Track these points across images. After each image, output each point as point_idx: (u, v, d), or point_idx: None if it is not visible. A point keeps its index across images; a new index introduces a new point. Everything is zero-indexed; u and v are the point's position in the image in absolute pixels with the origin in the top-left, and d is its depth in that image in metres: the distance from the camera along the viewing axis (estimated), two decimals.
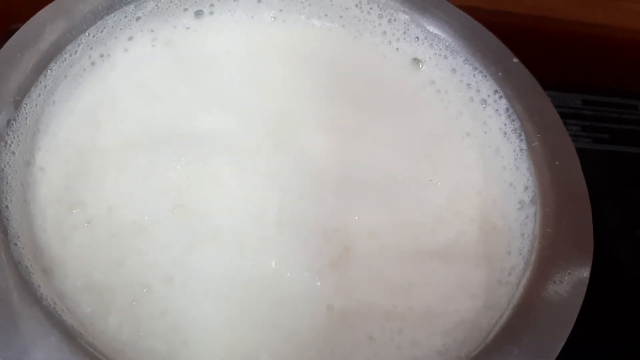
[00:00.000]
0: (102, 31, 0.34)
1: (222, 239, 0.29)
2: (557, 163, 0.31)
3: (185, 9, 0.37)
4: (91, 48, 0.34)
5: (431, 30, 0.36)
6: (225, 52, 0.36)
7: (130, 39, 0.35)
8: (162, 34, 0.36)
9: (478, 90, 0.35)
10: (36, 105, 0.30)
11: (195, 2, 0.37)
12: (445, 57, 0.36)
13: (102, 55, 0.34)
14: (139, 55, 0.35)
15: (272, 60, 0.36)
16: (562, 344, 0.26)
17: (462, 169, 0.34)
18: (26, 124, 0.30)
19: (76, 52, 0.33)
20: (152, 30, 0.36)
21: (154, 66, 0.35)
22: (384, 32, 0.37)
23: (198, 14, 0.37)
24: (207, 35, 0.36)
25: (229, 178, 0.31)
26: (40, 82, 0.31)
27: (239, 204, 0.31)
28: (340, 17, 0.38)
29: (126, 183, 0.30)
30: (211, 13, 0.37)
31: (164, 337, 0.27)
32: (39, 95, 0.31)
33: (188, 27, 0.36)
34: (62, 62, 0.32)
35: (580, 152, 0.32)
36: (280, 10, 0.37)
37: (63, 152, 0.31)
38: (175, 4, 0.36)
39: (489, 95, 0.35)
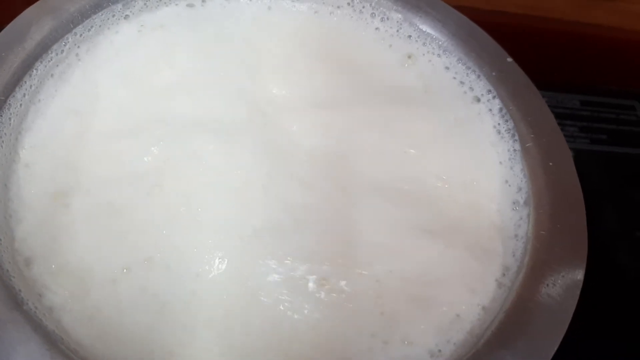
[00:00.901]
0: (89, 30, 0.33)
1: (203, 218, 0.29)
2: (550, 164, 0.30)
3: (177, 4, 0.36)
4: (78, 47, 0.33)
5: (424, 29, 0.36)
6: (213, 35, 0.36)
7: (117, 33, 0.35)
8: (151, 22, 0.36)
9: (472, 89, 0.35)
10: (21, 105, 0.30)
11: None
12: (439, 56, 0.36)
13: (88, 50, 0.34)
14: (124, 42, 0.34)
15: (262, 48, 0.36)
16: (555, 348, 0.25)
17: (453, 156, 0.33)
18: (10, 124, 0.29)
19: (62, 51, 0.32)
20: (141, 23, 0.35)
21: (139, 52, 0.34)
22: (377, 29, 0.37)
23: (189, 6, 0.36)
24: (197, 21, 0.36)
25: (212, 158, 0.31)
26: (26, 81, 0.31)
27: (222, 183, 0.30)
28: (330, 13, 0.37)
29: (103, 168, 0.30)
30: (203, 6, 0.37)
31: (146, 311, 0.26)
32: (24, 95, 0.30)
33: (179, 15, 0.36)
34: (48, 61, 0.32)
35: (578, 153, 0.32)
36: (269, 8, 0.37)
37: (48, 146, 0.30)
38: (165, 3, 0.36)
39: (482, 95, 0.34)
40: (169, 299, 0.27)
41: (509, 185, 0.32)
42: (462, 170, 0.32)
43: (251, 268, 0.28)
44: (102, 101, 0.32)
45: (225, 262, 0.28)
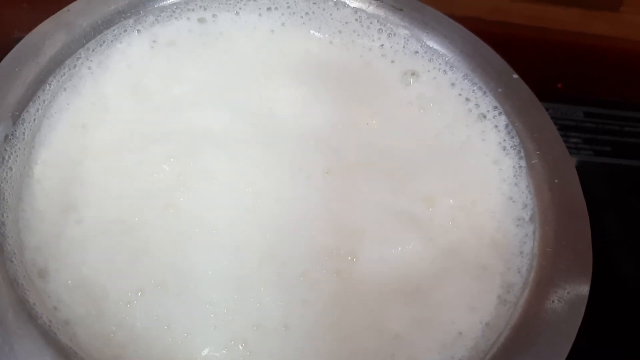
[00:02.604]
0: (101, 45, 0.34)
1: (218, 239, 0.29)
2: (556, 181, 0.31)
3: (188, 18, 0.37)
4: (91, 60, 0.34)
5: (431, 45, 0.36)
6: (224, 49, 0.36)
7: (129, 45, 0.35)
8: (163, 36, 0.36)
9: (477, 105, 0.35)
10: (34, 120, 0.30)
11: (194, 11, 0.37)
12: (445, 72, 0.36)
13: (100, 62, 0.34)
14: (136, 56, 0.35)
15: (272, 64, 0.36)
16: None
17: (455, 173, 0.33)
18: (24, 138, 0.30)
19: (75, 66, 0.33)
20: (153, 38, 0.36)
21: (150, 65, 0.35)
22: (382, 46, 0.37)
23: (201, 21, 0.37)
24: (208, 35, 0.36)
25: (224, 175, 0.31)
26: (39, 96, 0.31)
27: (233, 199, 0.30)
28: (340, 31, 0.38)
29: (115, 183, 0.30)
30: (214, 21, 0.37)
31: (161, 337, 0.27)
32: (38, 109, 0.31)
33: (190, 29, 0.37)
34: (62, 76, 0.32)
35: (582, 164, 0.32)
36: (283, 24, 0.37)
37: (59, 160, 0.31)
38: (176, 17, 0.36)
39: (488, 111, 0.35)
40: (182, 327, 0.27)
41: (514, 202, 0.32)
42: (464, 187, 0.33)
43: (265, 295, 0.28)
44: (112, 114, 0.33)
45: (241, 287, 0.28)
